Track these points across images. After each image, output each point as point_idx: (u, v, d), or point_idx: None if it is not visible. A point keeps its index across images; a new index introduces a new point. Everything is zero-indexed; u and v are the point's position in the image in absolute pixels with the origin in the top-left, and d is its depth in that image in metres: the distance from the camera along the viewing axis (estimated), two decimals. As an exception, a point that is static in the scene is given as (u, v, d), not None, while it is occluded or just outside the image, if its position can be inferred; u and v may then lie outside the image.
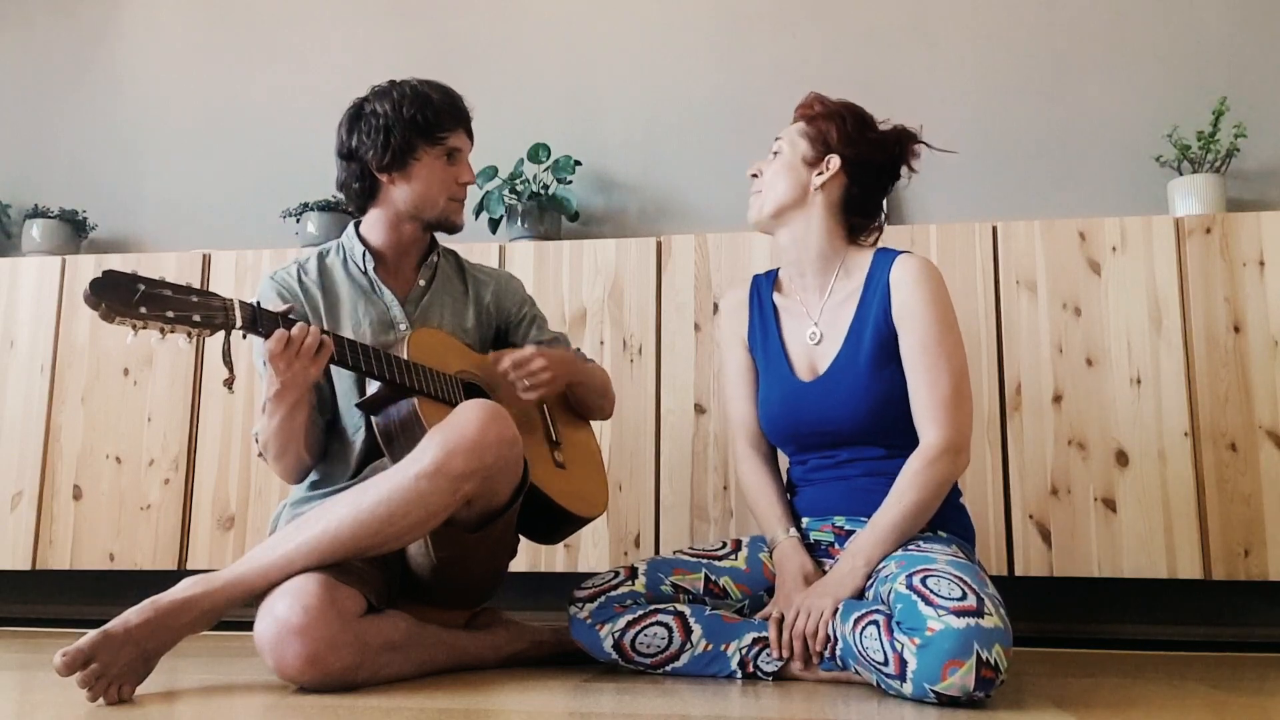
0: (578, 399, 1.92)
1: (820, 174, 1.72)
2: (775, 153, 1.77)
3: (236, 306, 1.43)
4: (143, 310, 1.33)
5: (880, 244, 1.79)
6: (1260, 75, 2.68)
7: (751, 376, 1.82)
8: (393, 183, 1.76)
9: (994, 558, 2.28)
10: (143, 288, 1.34)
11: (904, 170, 1.78)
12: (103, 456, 2.61)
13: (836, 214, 1.74)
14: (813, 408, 1.69)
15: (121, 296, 1.31)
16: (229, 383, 1.45)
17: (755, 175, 1.80)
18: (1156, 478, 2.27)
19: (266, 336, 1.46)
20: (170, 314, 1.36)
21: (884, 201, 1.79)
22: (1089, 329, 2.35)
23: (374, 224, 1.80)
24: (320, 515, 1.46)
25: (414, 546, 1.59)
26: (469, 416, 1.48)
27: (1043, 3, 2.82)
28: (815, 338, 1.73)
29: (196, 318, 1.38)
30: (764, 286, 1.84)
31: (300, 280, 1.75)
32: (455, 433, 1.46)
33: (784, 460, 1.84)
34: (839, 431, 1.68)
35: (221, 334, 1.43)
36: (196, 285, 1.41)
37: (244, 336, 1.47)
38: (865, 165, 1.73)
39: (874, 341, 1.66)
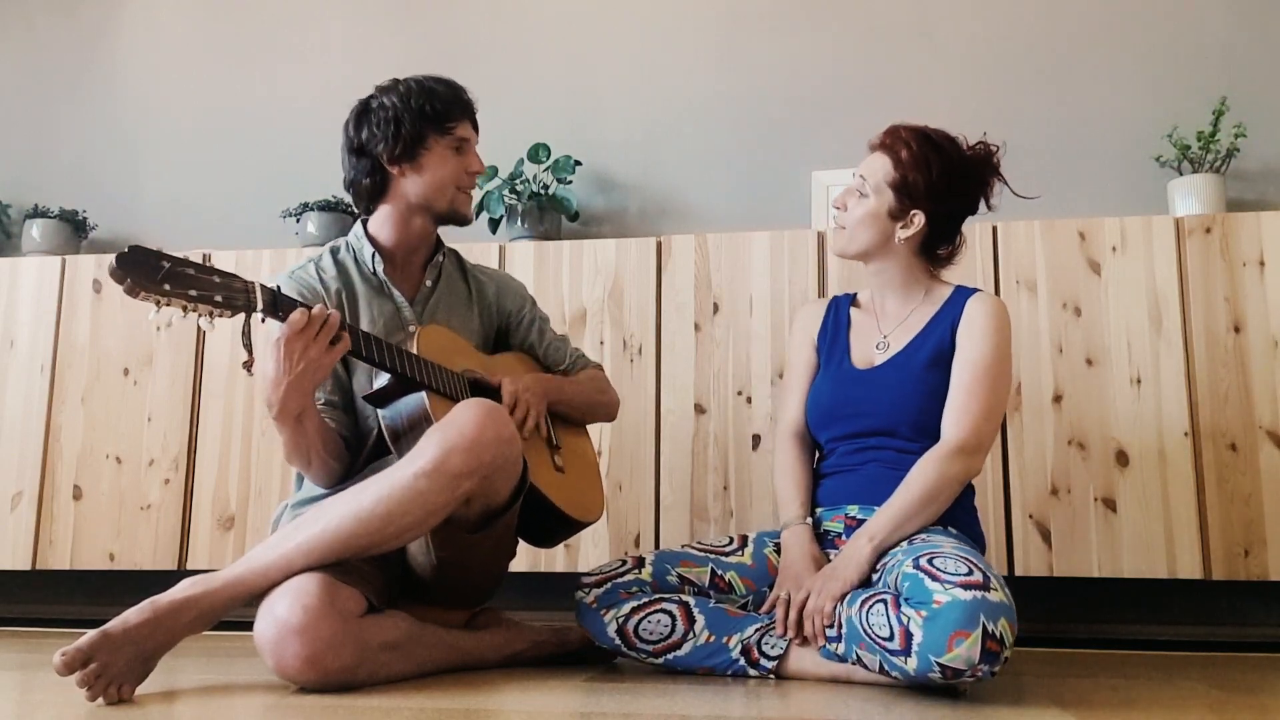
0: (565, 415, 1.92)
1: (905, 228, 1.75)
2: (861, 194, 1.78)
3: (258, 289, 1.44)
4: (166, 287, 1.34)
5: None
6: (1260, 75, 2.68)
7: (812, 373, 1.88)
8: (403, 175, 1.76)
9: (994, 558, 2.28)
10: (167, 265, 1.34)
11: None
12: (103, 456, 2.61)
13: (918, 254, 1.80)
14: (860, 391, 1.75)
15: (146, 273, 1.32)
16: (248, 365, 1.44)
17: (839, 208, 1.81)
18: (1156, 478, 2.27)
19: (284, 320, 1.46)
20: (193, 293, 1.36)
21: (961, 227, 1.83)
22: (1089, 329, 2.35)
23: (383, 222, 1.80)
24: (319, 514, 1.46)
25: (414, 546, 1.59)
26: (467, 415, 1.48)
27: (1043, 3, 2.82)
28: (883, 346, 1.79)
29: (218, 298, 1.39)
30: (843, 302, 1.91)
31: (320, 278, 1.75)
32: (454, 431, 1.46)
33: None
34: (878, 417, 1.72)
35: (241, 316, 1.43)
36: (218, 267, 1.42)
37: (263, 320, 1.47)
38: (950, 217, 1.77)
39: (933, 350, 1.73)
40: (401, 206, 1.78)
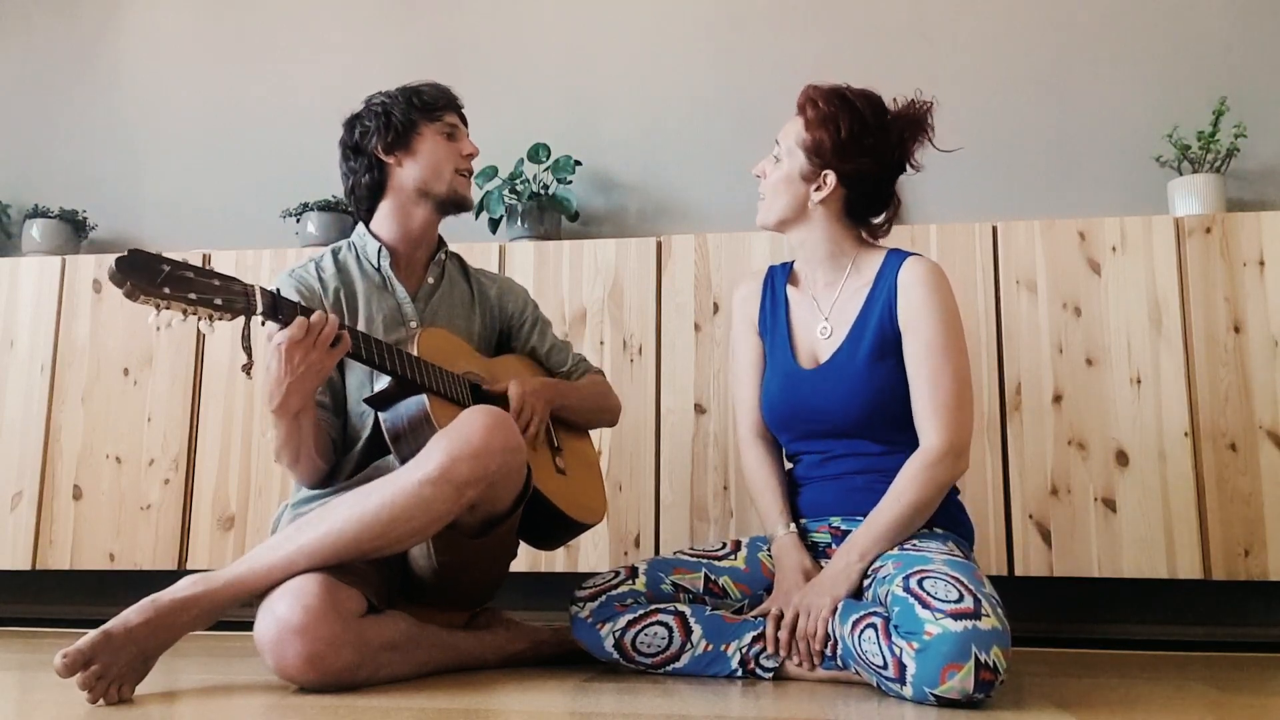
0: (568, 420, 1.92)
1: (818, 189, 1.70)
2: (776, 159, 1.75)
3: (258, 292, 1.44)
4: (166, 291, 1.34)
5: (889, 241, 1.79)
6: (1260, 75, 2.68)
7: (760, 363, 1.82)
8: (399, 163, 1.79)
9: (994, 558, 2.28)
10: (167, 268, 1.35)
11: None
12: (103, 456, 2.61)
13: (840, 220, 1.73)
14: (809, 394, 1.70)
15: (147, 276, 1.32)
16: (247, 368, 1.44)
17: (759, 176, 1.79)
18: (1156, 478, 2.27)
19: (285, 324, 1.46)
20: (193, 296, 1.36)
21: (894, 190, 1.75)
22: (1089, 329, 2.35)
23: (385, 218, 1.82)
24: (323, 517, 1.46)
25: (416, 549, 1.59)
26: (474, 423, 1.48)
27: (1042, 3, 2.82)
28: (826, 332, 1.73)
29: (218, 301, 1.39)
30: (778, 276, 1.84)
31: (319, 277, 1.76)
32: (460, 439, 1.46)
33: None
34: (833, 421, 1.68)
35: (241, 319, 1.43)
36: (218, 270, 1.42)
37: (263, 323, 1.47)
38: (863, 177, 1.69)
39: (875, 336, 1.66)
40: (402, 198, 1.80)
